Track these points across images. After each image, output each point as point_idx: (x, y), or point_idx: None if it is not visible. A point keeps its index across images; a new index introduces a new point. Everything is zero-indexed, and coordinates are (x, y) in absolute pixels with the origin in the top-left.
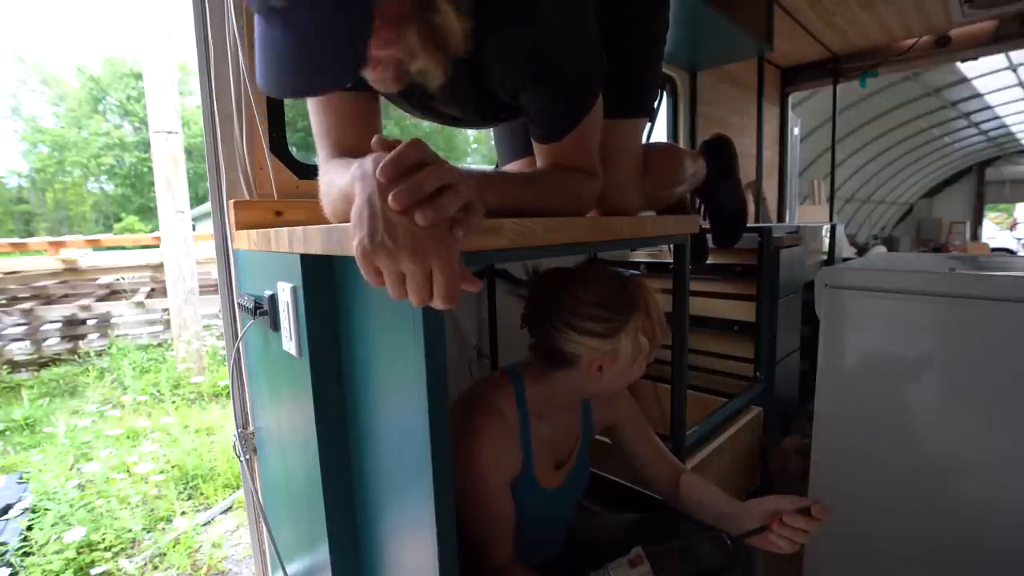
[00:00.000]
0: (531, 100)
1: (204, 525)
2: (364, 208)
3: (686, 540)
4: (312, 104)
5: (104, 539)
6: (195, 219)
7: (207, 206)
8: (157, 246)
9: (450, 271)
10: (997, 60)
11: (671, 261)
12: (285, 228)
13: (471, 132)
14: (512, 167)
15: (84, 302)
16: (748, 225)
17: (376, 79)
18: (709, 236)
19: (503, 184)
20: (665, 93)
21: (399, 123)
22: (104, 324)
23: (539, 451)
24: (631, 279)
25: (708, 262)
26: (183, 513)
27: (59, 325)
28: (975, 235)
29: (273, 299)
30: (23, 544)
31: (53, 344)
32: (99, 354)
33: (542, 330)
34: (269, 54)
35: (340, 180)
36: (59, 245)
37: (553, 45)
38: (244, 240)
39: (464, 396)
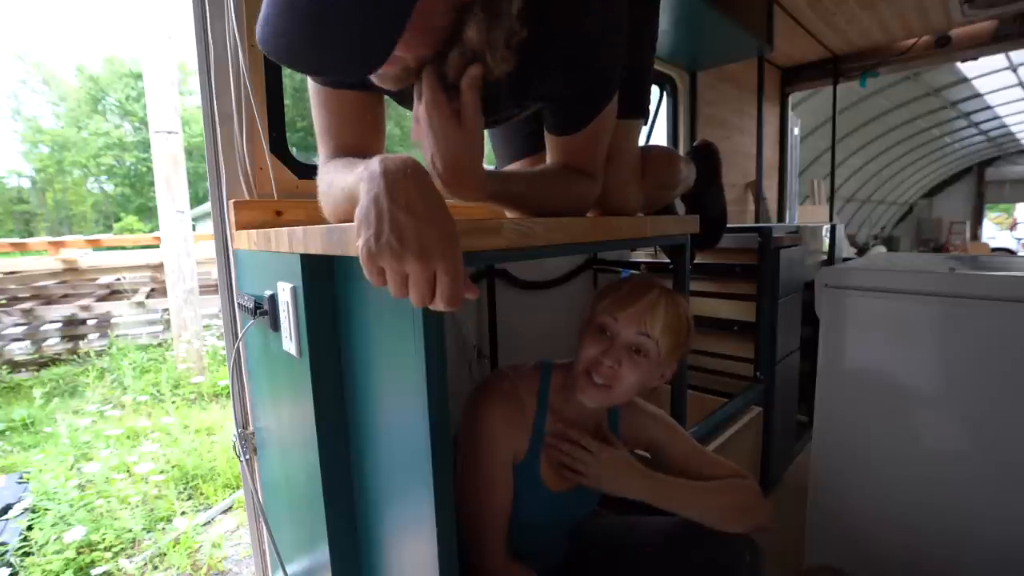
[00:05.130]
0: (556, 86)
1: (204, 525)
2: (370, 208)
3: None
4: (315, 101)
5: (104, 539)
6: (195, 219)
7: (207, 206)
8: (157, 246)
9: (454, 274)
10: (997, 60)
11: (669, 261)
12: (285, 228)
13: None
14: (517, 168)
15: (84, 302)
16: (750, 225)
17: (379, 76)
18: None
19: (510, 183)
20: (665, 93)
21: (399, 123)
22: (104, 324)
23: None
24: (659, 282)
25: (708, 262)
26: (183, 513)
27: (59, 325)
28: (975, 235)
29: (273, 299)
30: (23, 544)
31: (53, 344)
32: (99, 354)
33: None
34: (286, 13)
35: (342, 180)
36: (59, 245)
37: (592, 44)
38: (244, 240)
39: (490, 375)
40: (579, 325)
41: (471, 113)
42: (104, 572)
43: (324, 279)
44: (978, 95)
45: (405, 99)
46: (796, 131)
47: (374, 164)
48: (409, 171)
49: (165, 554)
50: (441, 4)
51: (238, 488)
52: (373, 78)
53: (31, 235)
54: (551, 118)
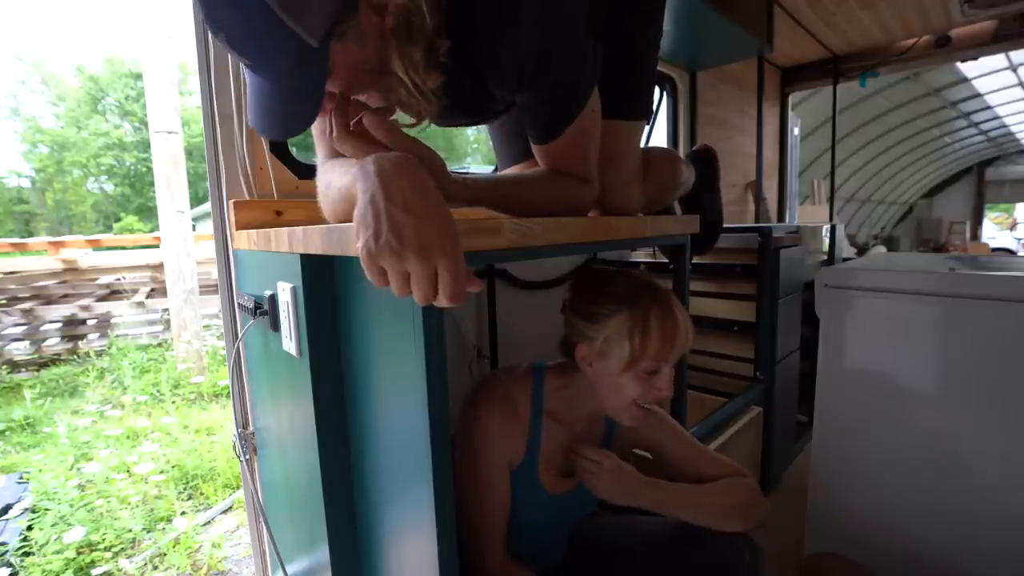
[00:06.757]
0: (522, 99)
1: (204, 525)
2: (367, 208)
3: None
4: None
5: (104, 539)
6: (195, 219)
7: (207, 206)
8: (157, 246)
9: (456, 270)
10: (997, 60)
11: (669, 261)
12: (285, 228)
13: (470, 132)
14: (511, 171)
15: (84, 302)
16: (750, 225)
17: (373, 104)
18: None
19: (492, 189)
20: (665, 93)
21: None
22: (104, 324)
23: (548, 452)
24: (651, 285)
25: (708, 262)
26: (183, 513)
27: (59, 325)
28: (975, 235)
29: (273, 299)
30: (23, 544)
31: (53, 344)
32: (99, 354)
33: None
34: (252, 99)
35: (340, 180)
36: (59, 245)
37: (534, 54)
38: (244, 240)
39: (484, 379)
40: (593, 348)
41: (395, 139)
42: (104, 572)
43: (324, 279)
44: (978, 95)
45: None
46: (796, 131)
47: (368, 163)
48: (404, 168)
49: (165, 554)
50: (358, 46)
51: (238, 488)
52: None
53: (31, 235)
54: (528, 128)
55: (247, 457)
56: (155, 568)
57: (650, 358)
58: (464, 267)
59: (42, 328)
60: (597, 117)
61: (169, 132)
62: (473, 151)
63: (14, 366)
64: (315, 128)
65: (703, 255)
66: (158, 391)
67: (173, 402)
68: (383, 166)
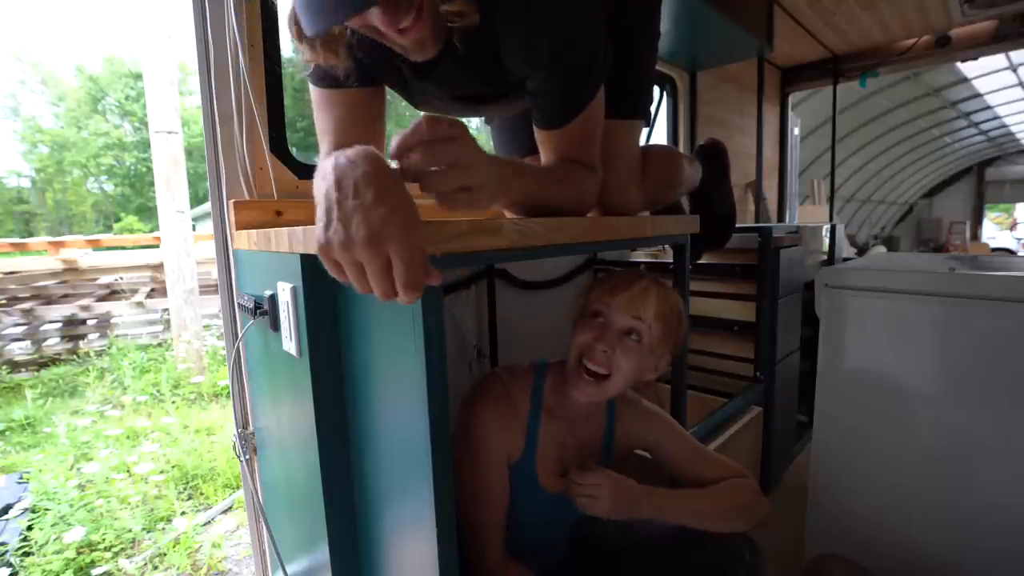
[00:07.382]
0: (533, 83)
1: (204, 525)
2: (322, 202)
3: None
4: (316, 100)
5: (104, 539)
6: (195, 219)
7: (207, 206)
8: (157, 246)
9: (407, 258)
10: (997, 60)
11: (671, 261)
12: (285, 228)
13: (471, 131)
14: None
15: (84, 302)
16: (750, 225)
17: (414, 42)
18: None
19: (526, 177)
20: (665, 93)
21: (399, 123)
22: (104, 324)
23: (546, 449)
24: (642, 271)
25: (708, 262)
26: (183, 513)
27: (59, 325)
28: (975, 235)
29: (273, 299)
30: (23, 544)
31: (53, 344)
32: (99, 354)
33: None
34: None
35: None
36: (59, 245)
37: (551, 35)
38: (244, 240)
39: (484, 376)
40: (571, 320)
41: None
42: (104, 572)
43: (324, 279)
44: (978, 95)
45: (403, 88)
46: (796, 131)
47: (328, 160)
48: (359, 160)
49: (165, 554)
50: None
51: (238, 488)
52: (413, 53)
53: (31, 235)
54: (537, 114)
55: (247, 457)
56: (155, 568)
57: (594, 300)
58: (420, 255)
59: (42, 328)
60: (602, 104)
61: (169, 132)
62: None
63: (14, 366)
64: (318, 127)
65: (715, 253)
66: (158, 391)
67: (173, 402)
68: (339, 161)
